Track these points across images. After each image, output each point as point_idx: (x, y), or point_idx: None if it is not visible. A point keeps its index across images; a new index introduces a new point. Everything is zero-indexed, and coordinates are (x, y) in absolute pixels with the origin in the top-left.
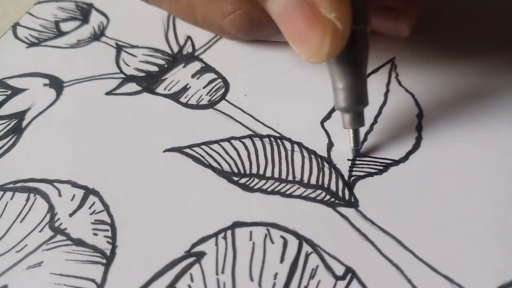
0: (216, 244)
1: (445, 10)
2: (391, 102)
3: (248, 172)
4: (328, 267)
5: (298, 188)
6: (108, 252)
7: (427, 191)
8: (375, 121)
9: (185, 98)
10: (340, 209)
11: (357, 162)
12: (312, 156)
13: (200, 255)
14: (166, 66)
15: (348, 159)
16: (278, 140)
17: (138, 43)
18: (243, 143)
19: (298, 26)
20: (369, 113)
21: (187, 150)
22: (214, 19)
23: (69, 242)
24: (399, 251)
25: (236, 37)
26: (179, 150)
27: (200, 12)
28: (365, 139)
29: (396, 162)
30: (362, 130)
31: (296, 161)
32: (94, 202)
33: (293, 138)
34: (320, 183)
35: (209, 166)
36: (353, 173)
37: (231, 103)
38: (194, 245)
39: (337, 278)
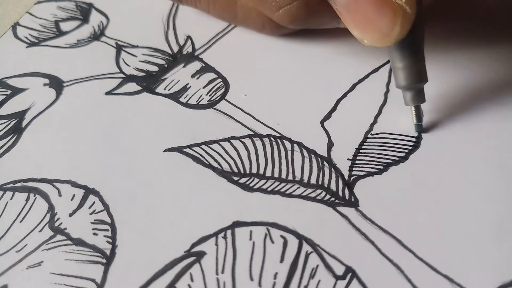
0: (216, 244)
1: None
2: (391, 102)
3: (248, 171)
4: (328, 267)
5: (298, 187)
6: (108, 252)
7: (427, 191)
8: (375, 121)
9: (185, 98)
10: (340, 208)
11: (357, 161)
12: (312, 155)
13: (200, 254)
14: (166, 66)
15: (348, 159)
16: (278, 140)
17: (138, 43)
18: (243, 143)
19: (367, 13)
20: (369, 113)
21: (187, 150)
22: (262, 13)
23: (69, 242)
24: (399, 251)
25: (278, 31)
26: (179, 150)
27: (242, 7)
28: (365, 139)
29: (396, 162)
30: (362, 130)
31: (296, 160)
32: (94, 202)
33: (293, 138)
34: (320, 182)
35: (209, 166)
36: (353, 172)
37: (231, 103)
38: (194, 244)
39: (337, 277)
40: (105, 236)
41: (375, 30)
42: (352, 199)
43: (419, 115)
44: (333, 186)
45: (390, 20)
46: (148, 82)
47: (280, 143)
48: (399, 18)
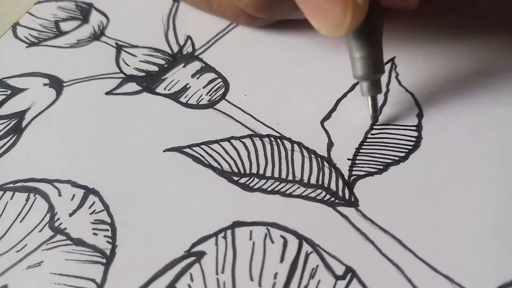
0: (216, 244)
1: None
2: (391, 102)
3: (248, 171)
4: (328, 267)
5: (298, 187)
6: (108, 252)
7: (427, 191)
8: (375, 121)
9: (185, 98)
10: (340, 208)
11: (357, 161)
12: (312, 155)
13: (200, 254)
14: (166, 66)
15: (348, 159)
16: (278, 140)
17: (138, 43)
18: (243, 143)
19: (319, 3)
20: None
21: (187, 150)
22: (231, 2)
23: (69, 242)
24: (399, 251)
25: (252, 22)
26: (179, 150)
27: None
28: (365, 138)
29: (396, 162)
30: (362, 130)
31: (296, 160)
32: (94, 202)
33: (293, 138)
34: (320, 182)
35: (209, 166)
36: (353, 172)
37: (231, 103)
38: (194, 244)
39: (337, 277)
40: (105, 236)
41: (328, 20)
42: (352, 199)
43: (375, 106)
44: (333, 186)
45: (341, 10)
46: (148, 82)
47: (280, 143)
48: (349, 9)
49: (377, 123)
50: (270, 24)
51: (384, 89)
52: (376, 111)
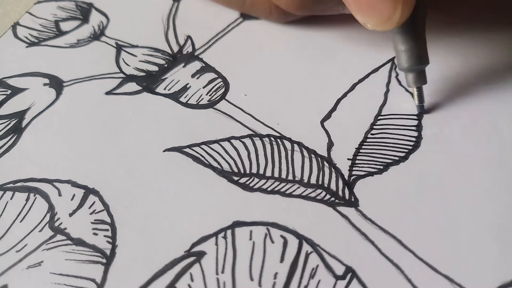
0: (216, 244)
1: (446, 9)
2: (391, 102)
3: (248, 171)
4: (328, 267)
5: (298, 187)
6: (108, 252)
7: (427, 191)
8: (375, 121)
9: (185, 97)
10: (340, 208)
11: (357, 161)
12: (312, 155)
13: (200, 254)
14: (166, 65)
15: (348, 159)
16: (278, 140)
17: (138, 42)
18: (243, 143)
19: None
20: (369, 113)
21: (187, 150)
22: (269, 0)
23: (69, 241)
24: (399, 251)
25: (284, 18)
26: (179, 150)
27: None
28: (365, 138)
29: (396, 162)
30: (362, 130)
31: (296, 160)
32: (94, 202)
33: (293, 137)
34: (320, 182)
35: (209, 165)
36: (353, 172)
37: (231, 102)
38: (194, 244)
39: (337, 277)
40: (105, 236)
41: (377, 14)
42: (352, 199)
43: (421, 96)
44: (333, 186)
45: (392, 4)
46: (148, 82)
47: (280, 143)
48: (400, 3)
49: (425, 113)
50: (299, 19)
51: (384, 88)
52: (422, 101)
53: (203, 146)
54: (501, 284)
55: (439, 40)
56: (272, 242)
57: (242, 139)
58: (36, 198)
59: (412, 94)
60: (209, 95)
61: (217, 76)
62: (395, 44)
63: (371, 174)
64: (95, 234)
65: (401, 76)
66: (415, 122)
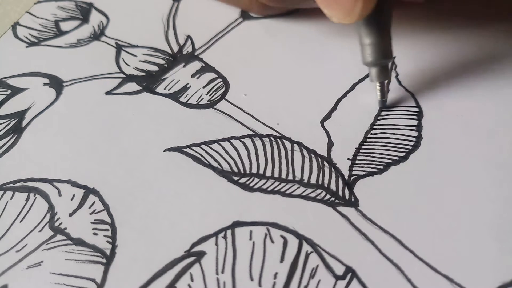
0: (216, 244)
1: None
2: (391, 102)
3: (248, 171)
4: (328, 267)
5: (298, 187)
6: (108, 252)
7: (427, 191)
8: (375, 121)
9: (185, 97)
10: (340, 208)
11: (357, 161)
12: (312, 155)
13: (200, 254)
14: (166, 65)
15: (348, 159)
16: (278, 140)
17: (138, 42)
18: (243, 143)
19: None
20: (369, 113)
21: (187, 150)
22: None
23: (69, 241)
24: (399, 251)
25: (264, 10)
26: (179, 150)
27: None
28: (365, 138)
29: (396, 162)
30: (362, 130)
31: (296, 160)
32: (94, 202)
33: (293, 137)
34: (320, 182)
35: (209, 165)
36: (353, 172)
37: (231, 102)
38: (194, 244)
39: (337, 277)
40: (105, 236)
41: (339, 7)
42: (352, 199)
43: (383, 91)
44: (333, 186)
45: None
46: (148, 82)
47: (280, 143)
48: None
49: (384, 109)
50: (281, 13)
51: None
52: (383, 96)
53: (203, 146)
54: (501, 284)
55: (438, 41)
56: (272, 242)
57: (242, 139)
58: (36, 198)
59: (376, 90)
60: (209, 95)
61: (217, 76)
62: (360, 38)
63: (371, 174)
64: (95, 234)
65: (401, 76)
66: (415, 122)
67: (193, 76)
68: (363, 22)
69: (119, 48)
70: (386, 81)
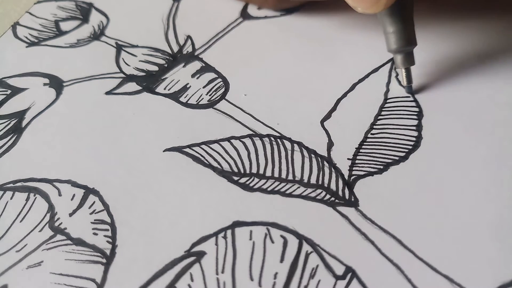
0: (216, 244)
1: (446, 9)
2: (391, 102)
3: (248, 171)
4: (328, 267)
5: (298, 187)
6: (108, 252)
7: (427, 191)
8: (375, 121)
9: (185, 97)
10: (340, 208)
11: (357, 161)
12: (312, 155)
13: (200, 254)
14: (166, 65)
15: (348, 159)
16: (278, 140)
17: (138, 42)
18: (243, 143)
19: None
20: (369, 113)
21: (187, 150)
22: None
23: (69, 241)
24: (399, 251)
25: (279, 5)
26: (179, 150)
27: None
28: (365, 138)
29: (396, 162)
30: (362, 130)
31: (296, 160)
32: (94, 202)
33: (293, 137)
34: (320, 182)
35: (209, 165)
36: (353, 172)
37: (231, 102)
38: (194, 244)
39: (337, 277)
40: (105, 236)
41: None
42: (352, 199)
43: (409, 77)
44: (333, 186)
45: None
46: (148, 82)
47: (280, 143)
48: None
49: (413, 94)
50: (294, 6)
51: (384, 88)
52: (410, 82)
53: (203, 146)
54: (501, 284)
55: (438, 40)
56: (272, 242)
57: (242, 139)
58: (36, 198)
59: (398, 76)
60: (209, 95)
61: (217, 76)
62: (384, 27)
63: (371, 174)
64: (95, 234)
65: (401, 76)
66: (415, 122)
67: (193, 76)
68: (387, 12)
69: (119, 48)
70: (411, 67)
